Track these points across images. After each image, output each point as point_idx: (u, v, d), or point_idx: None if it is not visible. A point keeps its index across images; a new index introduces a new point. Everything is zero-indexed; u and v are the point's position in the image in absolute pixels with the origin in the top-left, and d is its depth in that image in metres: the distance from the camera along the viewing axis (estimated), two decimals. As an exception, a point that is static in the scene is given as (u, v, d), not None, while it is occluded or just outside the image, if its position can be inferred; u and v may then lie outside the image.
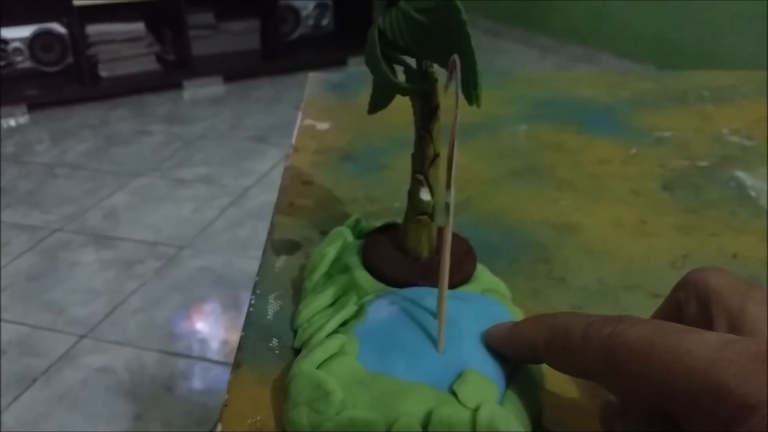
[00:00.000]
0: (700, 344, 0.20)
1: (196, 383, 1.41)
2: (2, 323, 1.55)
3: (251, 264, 1.74)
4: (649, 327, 0.22)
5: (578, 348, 0.23)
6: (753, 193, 0.49)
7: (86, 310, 1.60)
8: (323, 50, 3.34)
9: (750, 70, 0.77)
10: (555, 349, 0.25)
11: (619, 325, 0.22)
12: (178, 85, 3.02)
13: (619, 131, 0.61)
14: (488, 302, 0.32)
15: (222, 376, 1.41)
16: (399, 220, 0.38)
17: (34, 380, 1.39)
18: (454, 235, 0.34)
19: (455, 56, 0.26)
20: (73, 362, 1.44)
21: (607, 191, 0.50)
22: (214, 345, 1.51)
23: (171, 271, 1.74)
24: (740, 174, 0.52)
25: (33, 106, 2.78)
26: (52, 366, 1.43)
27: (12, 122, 2.72)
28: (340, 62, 3.28)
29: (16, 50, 2.83)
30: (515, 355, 0.28)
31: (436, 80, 0.33)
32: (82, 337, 1.51)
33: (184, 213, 2.03)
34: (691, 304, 0.26)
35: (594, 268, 0.40)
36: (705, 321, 0.25)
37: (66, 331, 1.53)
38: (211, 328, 1.57)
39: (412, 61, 0.33)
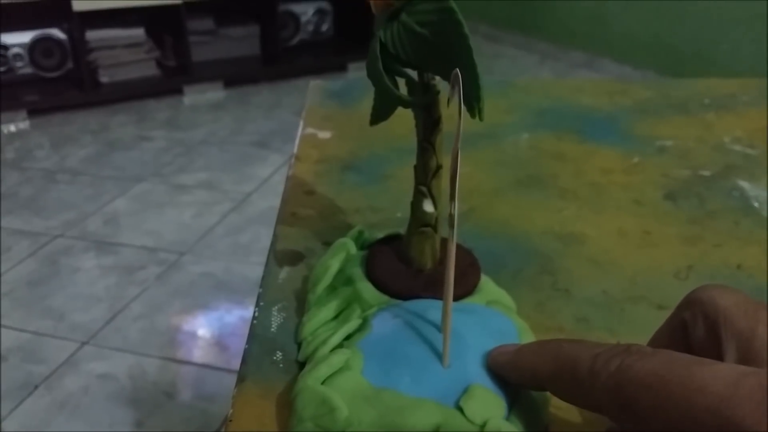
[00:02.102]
0: (712, 379, 0.20)
1: (198, 390, 1.40)
2: (3, 329, 1.55)
3: (252, 270, 1.74)
4: (659, 360, 0.21)
5: (585, 381, 0.23)
6: (756, 204, 0.49)
7: (87, 316, 1.60)
8: (323, 56, 3.34)
9: (751, 78, 0.77)
10: (560, 381, 0.24)
11: (627, 357, 0.22)
12: (178, 91, 3.02)
13: (621, 140, 0.61)
14: (493, 315, 0.32)
15: (223, 382, 1.41)
16: (402, 230, 0.38)
17: (36, 387, 1.39)
18: (458, 247, 0.34)
19: (457, 71, 0.26)
20: (75, 369, 1.44)
21: (610, 201, 0.50)
22: (216, 351, 1.51)
23: (172, 277, 1.74)
24: (743, 183, 0.52)
25: (33, 112, 2.78)
26: (53, 373, 1.42)
27: (12, 128, 2.72)
28: (340, 68, 3.28)
29: (17, 56, 2.83)
30: (518, 383, 0.27)
31: (438, 92, 0.33)
32: (83, 343, 1.51)
33: (184, 219, 2.03)
34: (698, 324, 0.25)
35: (598, 279, 0.40)
36: (713, 343, 0.24)
37: (67, 338, 1.53)
38: (212, 335, 1.57)
39: (413, 74, 0.33)
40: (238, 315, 1.61)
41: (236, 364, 0.32)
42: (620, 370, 0.21)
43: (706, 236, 0.45)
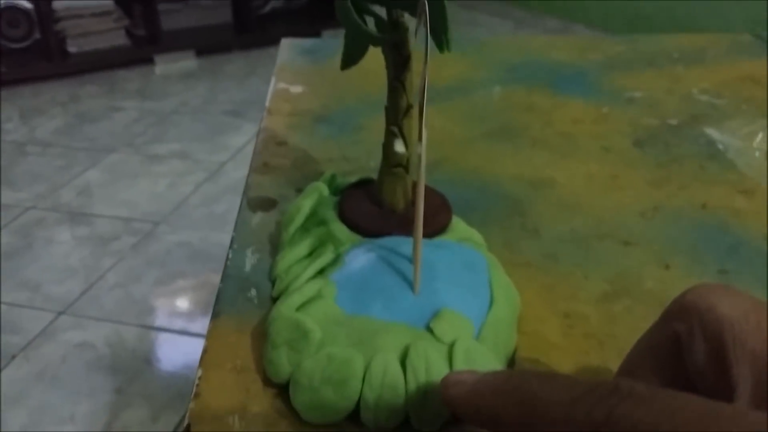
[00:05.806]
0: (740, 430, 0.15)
1: (176, 357, 1.41)
2: (-24, 302, 1.54)
3: (228, 238, 1.73)
4: (662, 407, 0.16)
5: None
6: (721, 146, 0.50)
7: (63, 287, 1.59)
8: (296, 23, 3.30)
9: (719, 33, 0.78)
10: (529, 430, 0.19)
11: (619, 403, 0.17)
12: (149, 60, 2.97)
13: (591, 92, 0.62)
14: (464, 249, 0.33)
15: (201, 348, 1.41)
16: (374, 177, 0.38)
17: (13, 357, 1.38)
18: (429, 189, 0.35)
19: (424, 0, 0.27)
20: (52, 339, 1.43)
21: (579, 148, 0.51)
22: (193, 318, 1.51)
23: (147, 247, 1.73)
24: (709, 131, 0.53)
25: (1, 84, 2.72)
26: (30, 343, 1.42)
27: (-21, 100, 2.66)
28: (313, 35, 3.24)
29: (-18, 26, 2.76)
30: (475, 425, 0.21)
31: (407, 29, 0.33)
32: (59, 313, 1.50)
33: (159, 189, 2.01)
34: (696, 340, 0.21)
35: (567, 219, 0.41)
36: (718, 367, 0.20)
37: (43, 308, 1.52)
38: (190, 302, 1.57)
39: (382, 12, 0.33)
40: (215, 282, 1.60)
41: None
42: (612, 422, 0.17)
43: (672, 179, 0.46)
